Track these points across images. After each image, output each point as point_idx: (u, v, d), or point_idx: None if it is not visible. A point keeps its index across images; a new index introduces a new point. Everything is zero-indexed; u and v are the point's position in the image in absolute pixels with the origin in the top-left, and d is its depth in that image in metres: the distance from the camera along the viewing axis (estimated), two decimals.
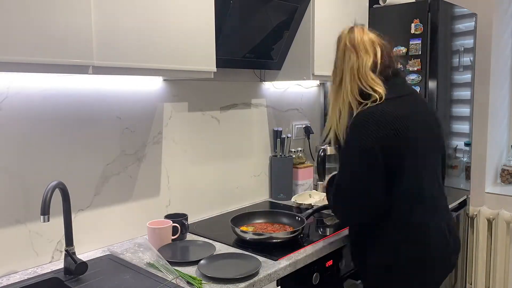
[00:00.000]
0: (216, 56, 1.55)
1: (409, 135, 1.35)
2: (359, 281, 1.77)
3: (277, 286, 1.43)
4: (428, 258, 1.39)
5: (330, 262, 1.66)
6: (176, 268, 1.37)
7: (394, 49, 2.23)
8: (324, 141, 1.78)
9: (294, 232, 1.59)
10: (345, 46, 1.43)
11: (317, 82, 2.58)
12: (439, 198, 1.48)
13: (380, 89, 1.37)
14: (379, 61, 1.40)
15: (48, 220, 1.23)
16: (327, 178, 1.63)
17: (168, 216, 1.68)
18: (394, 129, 1.32)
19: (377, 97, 1.36)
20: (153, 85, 1.74)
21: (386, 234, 1.40)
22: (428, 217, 1.40)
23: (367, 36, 1.43)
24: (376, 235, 1.42)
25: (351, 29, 1.46)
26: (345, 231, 1.74)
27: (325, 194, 1.66)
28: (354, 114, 1.39)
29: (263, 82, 2.24)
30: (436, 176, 1.48)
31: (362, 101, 1.39)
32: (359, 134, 1.34)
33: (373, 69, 1.39)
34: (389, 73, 1.41)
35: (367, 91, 1.38)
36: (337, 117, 1.44)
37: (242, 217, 1.76)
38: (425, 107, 1.49)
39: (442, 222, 1.43)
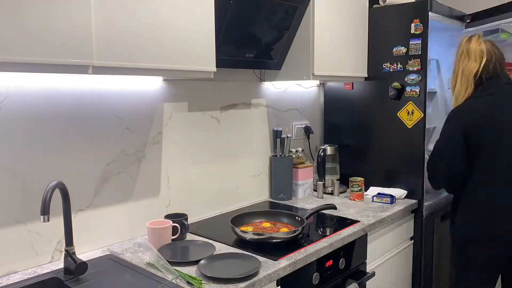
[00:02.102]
0: (216, 56, 1.55)
1: (486, 122, 1.72)
2: (359, 281, 1.78)
3: (277, 286, 1.44)
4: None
5: (330, 262, 1.67)
6: (176, 268, 1.37)
7: (394, 49, 2.25)
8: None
9: (294, 232, 1.59)
10: (462, 52, 1.84)
11: (317, 82, 2.57)
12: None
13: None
14: (480, 69, 1.78)
15: (48, 220, 1.24)
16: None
17: (168, 216, 1.68)
18: (473, 118, 1.74)
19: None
20: (153, 85, 1.74)
21: (473, 203, 1.76)
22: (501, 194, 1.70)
23: (479, 47, 1.80)
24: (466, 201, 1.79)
25: (469, 38, 1.84)
26: (345, 231, 1.74)
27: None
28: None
29: (263, 82, 2.24)
30: None
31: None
32: (448, 122, 1.82)
33: (475, 74, 1.79)
34: (484, 78, 1.79)
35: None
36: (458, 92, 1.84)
37: (242, 217, 1.76)
38: (505, 104, 1.76)
39: None
